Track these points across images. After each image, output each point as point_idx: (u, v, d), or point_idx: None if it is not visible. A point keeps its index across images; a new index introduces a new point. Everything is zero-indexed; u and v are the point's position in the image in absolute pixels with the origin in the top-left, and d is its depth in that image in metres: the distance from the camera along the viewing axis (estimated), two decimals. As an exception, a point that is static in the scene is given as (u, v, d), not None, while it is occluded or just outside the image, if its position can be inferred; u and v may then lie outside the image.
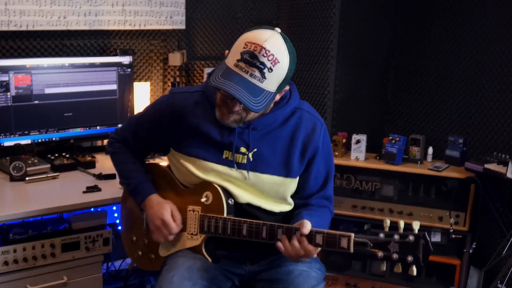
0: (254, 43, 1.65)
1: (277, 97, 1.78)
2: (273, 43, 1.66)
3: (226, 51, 1.76)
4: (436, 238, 2.86)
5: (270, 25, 3.48)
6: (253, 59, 1.65)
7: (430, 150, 2.98)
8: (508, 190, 2.84)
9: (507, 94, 2.83)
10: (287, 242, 1.71)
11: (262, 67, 1.65)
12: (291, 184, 1.89)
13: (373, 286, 2.93)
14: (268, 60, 1.65)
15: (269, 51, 1.65)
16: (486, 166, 2.65)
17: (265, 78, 1.66)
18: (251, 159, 1.85)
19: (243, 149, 1.85)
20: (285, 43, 1.70)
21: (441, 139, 3.13)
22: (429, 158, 2.98)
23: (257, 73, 1.65)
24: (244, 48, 1.66)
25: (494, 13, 2.85)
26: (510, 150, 2.78)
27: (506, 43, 2.81)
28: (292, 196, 1.93)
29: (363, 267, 3.02)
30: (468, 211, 2.76)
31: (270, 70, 1.66)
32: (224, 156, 1.86)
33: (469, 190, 2.75)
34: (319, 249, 1.70)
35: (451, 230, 2.75)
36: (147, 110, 2.03)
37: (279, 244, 1.72)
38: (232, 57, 1.69)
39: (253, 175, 1.86)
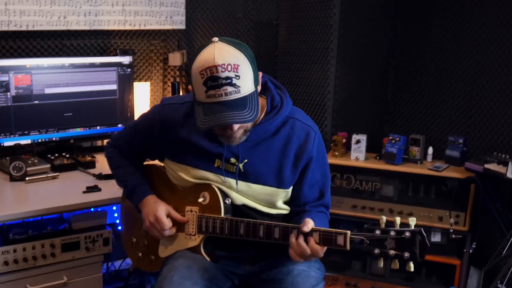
0: (206, 68, 1.63)
1: (259, 87, 1.76)
2: (221, 54, 1.63)
3: (190, 86, 1.76)
4: (436, 238, 2.86)
5: (270, 25, 3.52)
6: (217, 80, 1.63)
7: (430, 150, 2.98)
8: (508, 190, 2.84)
9: (507, 94, 2.83)
10: (294, 240, 1.70)
11: (230, 80, 1.63)
12: (283, 194, 1.89)
13: (373, 286, 2.93)
14: (229, 71, 1.63)
15: (224, 64, 1.62)
16: (486, 166, 2.65)
17: (239, 86, 1.64)
18: (242, 170, 1.85)
19: (233, 160, 1.85)
20: (229, 44, 1.67)
21: (441, 139, 3.13)
22: (429, 158, 2.98)
23: (230, 89, 1.64)
24: (202, 78, 1.64)
25: (494, 13, 2.85)
26: (510, 150, 2.78)
27: (506, 43, 2.81)
28: (289, 204, 1.93)
29: (363, 267, 3.02)
30: (468, 211, 2.76)
31: (237, 77, 1.64)
32: (215, 165, 1.86)
33: (469, 190, 2.75)
34: (325, 248, 1.69)
35: (451, 230, 2.75)
36: (140, 121, 2.03)
37: (292, 240, 1.70)
38: (199, 93, 1.67)
39: (244, 184, 1.86)
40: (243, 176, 1.86)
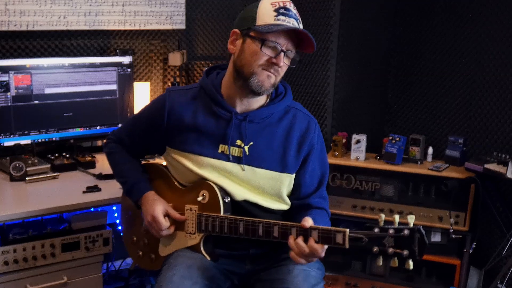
0: (280, 1, 1.78)
1: None
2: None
3: (235, 30, 1.82)
4: (436, 238, 2.86)
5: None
6: (289, 11, 1.78)
7: (430, 150, 2.98)
8: (508, 190, 2.84)
9: (507, 94, 2.83)
10: (292, 240, 1.70)
11: (296, 17, 1.80)
12: (287, 180, 1.89)
13: (373, 286, 2.93)
14: (296, 12, 1.81)
15: (293, 4, 1.81)
16: (486, 166, 2.65)
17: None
18: (247, 153, 1.86)
19: (238, 142, 1.86)
20: None
21: (441, 139, 3.13)
22: (429, 158, 2.98)
23: (295, 24, 1.78)
24: (274, 7, 1.77)
25: (494, 13, 2.85)
26: (510, 150, 2.78)
27: (506, 43, 2.81)
28: (289, 197, 1.93)
29: (363, 267, 3.02)
30: (468, 211, 2.76)
31: (299, 21, 1.81)
32: (219, 151, 1.87)
33: (469, 190, 2.75)
34: (326, 247, 1.68)
35: (451, 230, 2.75)
36: (144, 110, 2.05)
37: (291, 240, 1.70)
38: (266, 18, 1.76)
39: (249, 169, 1.87)
40: (248, 159, 1.86)
